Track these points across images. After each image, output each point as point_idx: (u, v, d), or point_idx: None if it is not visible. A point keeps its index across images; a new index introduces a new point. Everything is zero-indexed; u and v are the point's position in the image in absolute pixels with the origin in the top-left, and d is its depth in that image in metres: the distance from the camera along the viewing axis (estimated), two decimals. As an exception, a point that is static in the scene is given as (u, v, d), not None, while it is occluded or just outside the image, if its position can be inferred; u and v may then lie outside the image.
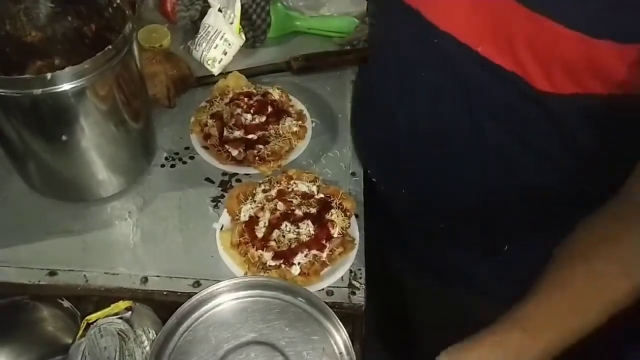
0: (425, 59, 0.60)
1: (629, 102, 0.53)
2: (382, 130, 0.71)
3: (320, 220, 0.71)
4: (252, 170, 0.80)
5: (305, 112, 0.87)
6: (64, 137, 0.66)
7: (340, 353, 0.59)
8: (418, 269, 0.89)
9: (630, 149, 0.55)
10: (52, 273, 0.69)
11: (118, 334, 0.61)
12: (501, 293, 0.81)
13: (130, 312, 0.63)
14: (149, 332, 0.63)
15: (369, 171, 0.79)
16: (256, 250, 0.68)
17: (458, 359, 0.53)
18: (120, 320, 0.62)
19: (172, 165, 0.82)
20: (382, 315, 0.99)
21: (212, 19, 0.96)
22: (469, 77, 0.58)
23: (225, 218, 0.74)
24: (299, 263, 0.67)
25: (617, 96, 0.53)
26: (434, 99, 0.61)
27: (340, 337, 0.60)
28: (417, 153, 0.68)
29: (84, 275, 0.69)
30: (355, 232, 0.72)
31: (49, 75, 0.60)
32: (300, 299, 0.62)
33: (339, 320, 0.61)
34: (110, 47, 0.62)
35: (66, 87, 0.61)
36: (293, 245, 0.68)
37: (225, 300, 0.62)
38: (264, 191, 0.74)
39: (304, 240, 0.69)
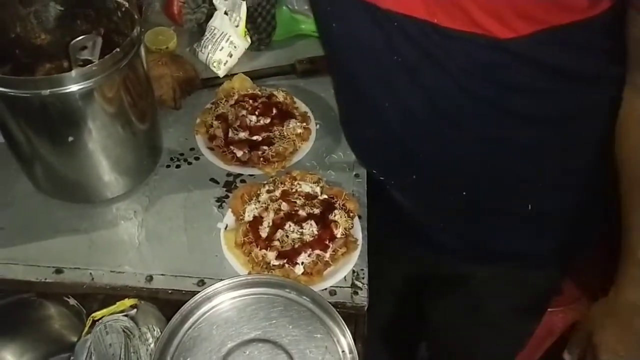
0: (393, 45, 0.62)
1: (590, 26, 0.55)
2: (374, 127, 0.72)
3: (323, 221, 0.71)
4: (256, 171, 0.81)
5: (310, 114, 0.88)
6: (70, 139, 0.67)
7: (343, 351, 0.60)
8: (421, 270, 0.89)
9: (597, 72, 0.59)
10: (59, 271, 0.70)
11: (123, 331, 0.62)
12: (507, 300, 0.82)
13: (135, 310, 0.64)
14: (154, 330, 0.64)
15: (374, 171, 0.80)
16: (260, 249, 0.69)
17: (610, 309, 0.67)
18: (125, 318, 0.63)
19: (178, 166, 0.83)
20: (385, 315, 0.99)
21: (218, 21, 0.97)
22: (438, 48, 0.59)
23: (229, 218, 0.74)
24: (302, 263, 0.68)
25: (576, 23, 0.54)
26: (414, 78, 0.63)
27: (343, 336, 0.61)
28: (415, 136, 0.68)
29: (90, 274, 0.70)
30: (358, 232, 0.72)
31: (57, 76, 0.61)
32: (304, 297, 0.63)
33: (342, 319, 0.61)
34: (118, 49, 0.63)
35: (74, 88, 0.62)
36: (296, 245, 0.69)
37: (229, 298, 0.63)
38: (268, 192, 0.75)
39: (308, 240, 0.70)
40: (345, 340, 0.61)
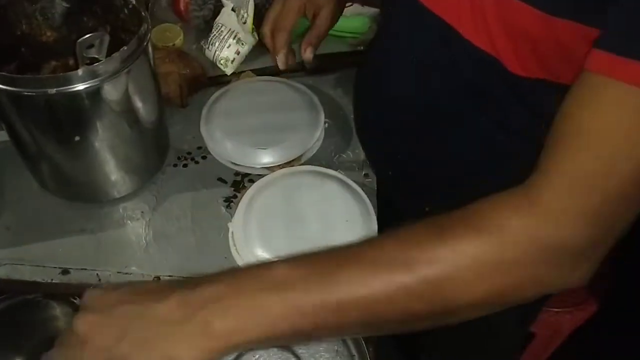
0: (417, 40, 0.62)
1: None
2: (373, 106, 0.73)
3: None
4: (265, 171, 0.80)
5: (318, 112, 0.87)
6: (77, 138, 0.67)
7: (354, 355, 0.59)
8: None
9: None
10: (65, 272, 0.69)
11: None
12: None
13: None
14: (162, 332, 0.63)
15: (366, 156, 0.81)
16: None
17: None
18: (133, 320, 0.62)
19: (185, 165, 0.82)
20: None
21: (225, 18, 0.96)
22: (453, 58, 0.59)
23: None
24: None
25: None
26: (424, 76, 0.63)
27: (353, 339, 0.60)
28: (403, 131, 0.69)
29: (97, 275, 0.69)
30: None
31: (64, 75, 0.60)
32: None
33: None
34: (125, 47, 0.62)
35: (80, 87, 0.61)
36: None
37: (238, 302, 0.62)
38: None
39: None
40: (355, 343, 0.60)
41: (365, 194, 0.75)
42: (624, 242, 0.62)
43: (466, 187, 0.63)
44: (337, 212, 0.72)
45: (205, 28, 1.01)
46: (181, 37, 0.99)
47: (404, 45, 0.65)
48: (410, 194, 0.77)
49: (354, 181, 0.77)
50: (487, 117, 0.61)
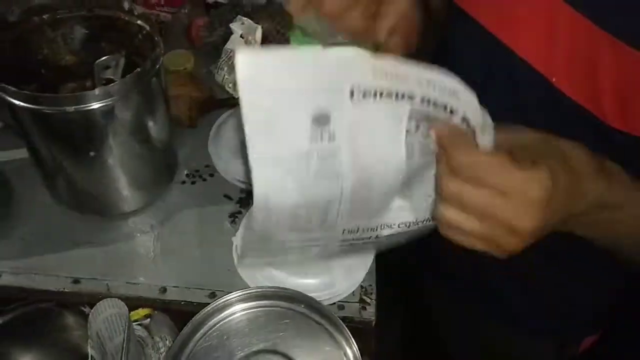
0: (490, 81, 0.56)
1: None
2: None
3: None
4: (268, 188, 0.83)
5: (321, 133, 0.90)
6: (92, 153, 0.70)
7: (350, 364, 0.61)
8: (439, 284, 0.88)
9: None
10: (76, 281, 0.72)
11: (137, 340, 0.64)
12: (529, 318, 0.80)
13: (148, 320, 0.66)
14: (166, 340, 0.65)
15: None
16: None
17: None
18: (139, 327, 0.65)
19: (193, 182, 0.86)
20: (401, 328, 0.98)
21: (234, 44, 1.00)
22: (531, 106, 0.55)
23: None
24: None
25: None
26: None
27: (350, 350, 0.62)
28: None
29: (106, 284, 0.72)
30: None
31: (81, 94, 0.64)
32: (313, 310, 0.64)
33: (349, 333, 0.62)
34: (139, 69, 0.66)
35: (96, 105, 0.65)
36: None
37: (239, 310, 0.65)
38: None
39: None
40: (352, 354, 0.62)
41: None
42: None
43: None
44: None
45: (215, 53, 1.06)
46: (192, 61, 1.04)
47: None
48: None
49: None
50: None
